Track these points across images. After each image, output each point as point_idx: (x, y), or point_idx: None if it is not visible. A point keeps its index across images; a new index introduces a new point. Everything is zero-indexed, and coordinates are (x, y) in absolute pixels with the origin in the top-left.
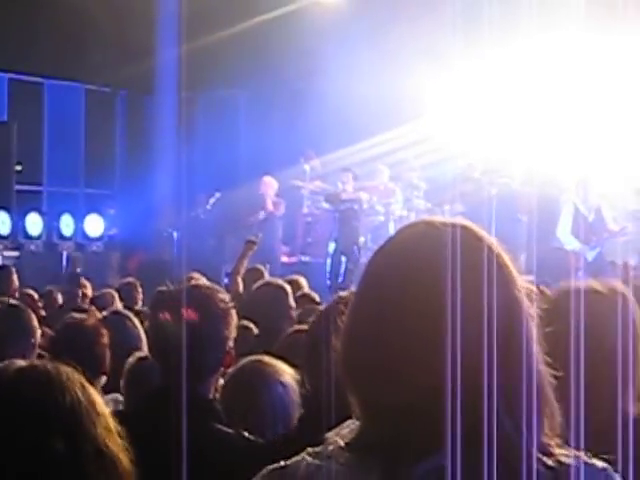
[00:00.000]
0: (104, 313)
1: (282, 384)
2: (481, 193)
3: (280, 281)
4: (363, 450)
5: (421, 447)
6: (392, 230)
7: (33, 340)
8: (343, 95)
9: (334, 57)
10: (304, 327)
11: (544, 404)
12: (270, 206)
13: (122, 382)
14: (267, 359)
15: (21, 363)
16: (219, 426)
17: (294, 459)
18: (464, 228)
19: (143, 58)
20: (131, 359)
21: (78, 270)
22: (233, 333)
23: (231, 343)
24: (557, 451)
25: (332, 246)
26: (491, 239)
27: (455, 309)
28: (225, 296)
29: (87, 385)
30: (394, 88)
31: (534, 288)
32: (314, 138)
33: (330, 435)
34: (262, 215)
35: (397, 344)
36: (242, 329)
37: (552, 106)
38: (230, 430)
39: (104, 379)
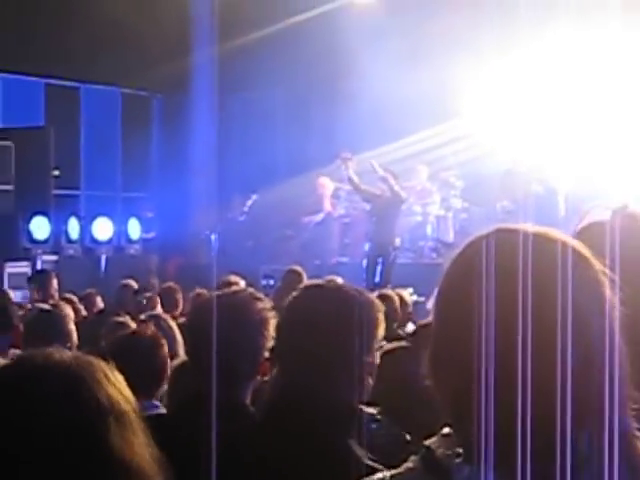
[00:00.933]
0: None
1: None
2: (528, 188)
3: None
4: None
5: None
6: (429, 231)
7: (69, 344)
8: (379, 94)
9: (370, 56)
10: None
11: (626, 414)
12: (328, 206)
13: (166, 386)
14: None
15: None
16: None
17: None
18: (541, 235)
19: (179, 61)
20: (175, 362)
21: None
22: (270, 341)
23: (266, 352)
24: None
25: (367, 246)
26: (573, 244)
27: (537, 320)
28: (263, 304)
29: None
30: (430, 86)
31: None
32: (351, 138)
33: (432, 444)
34: (321, 216)
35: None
36: None
37: (589, 103)
38: None
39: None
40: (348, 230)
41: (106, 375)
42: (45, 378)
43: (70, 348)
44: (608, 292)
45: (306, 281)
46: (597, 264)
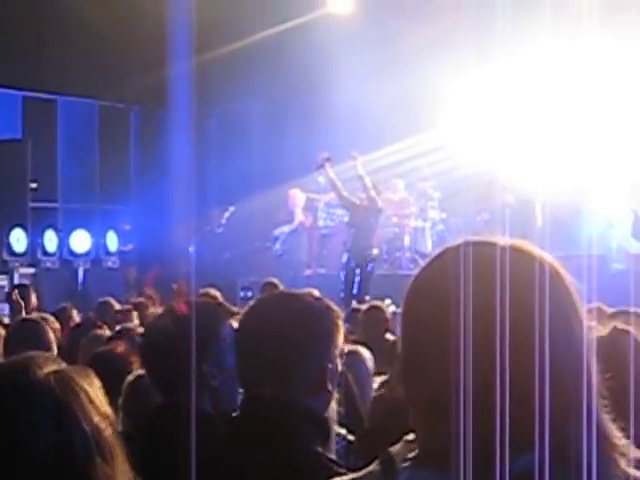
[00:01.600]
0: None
1: None
2: (504, 199)
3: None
4: (439, 460)
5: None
6: (407, 242)
7: (54, 350)
8: (356, 106)
9: (347, 68)
10: None
11: (601, 429)
12: (301, 216)
13: (120, 400)
14: None
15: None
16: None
17: (360, 476)
18: (516, 248)
19: (156, 73)
20: (130, 377)
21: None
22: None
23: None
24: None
25: (345, 257)
26: (543, 255)
27: (505, 335)
28: (224, 311)
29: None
30: (407, 97)
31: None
32: (328, 149)
33: (394, 450)
34: (292, 227)
35: (440, 366)
36: None
37: (567, 114)
38: None
39: None
40: (326, 241)
41: (88, 395)
42: (29, 403)
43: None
44: (580, 306)
45: None
46: (569, 278)
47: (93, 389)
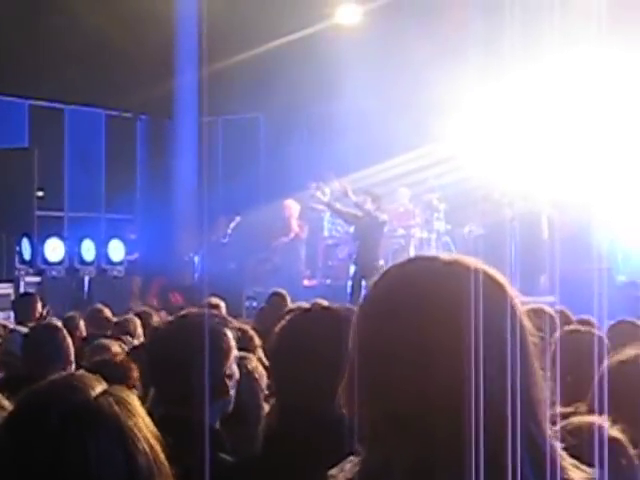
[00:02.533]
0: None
1: None
2: (500, 214)
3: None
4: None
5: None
6: (412, 253)
7: (71, 359)
8: (362, 116)
9: (354, 79)
10: None
11: (544, 435)
12: (296, 228)
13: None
14: None
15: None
16: (223, 455)
17: None
18: (453, 262)
19: (163, 83)
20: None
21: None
22: (231, 363)
23: (228, 371)
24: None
25: (352, 269)
26: (481, 266)
27: (444, 339)
28: (218, 323)
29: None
30: (413, 109)
31: (551, 310)
32: (334, 160)
33: (333, 473)
34: (288, 238)
35: (397, 379)
36: None
37: (574, 128)
38: (229, 458)
39: None
40: (332, 252)
41: (141, 414)
42: (94, 430)
43: (71, 363)
44: (522, 316)
45: (290, 304)
46: (511, 290)
47: (139, 406)
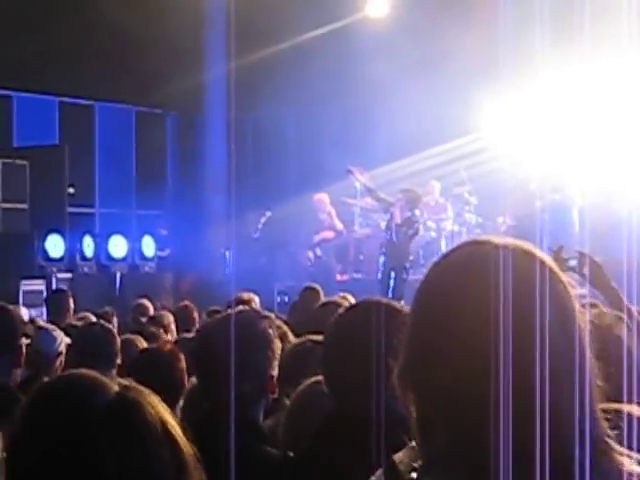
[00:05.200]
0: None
1: None
2: (531, 206)
3: (344, 301)
4: (442, 467)
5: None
6: (444, 246)
7: (118, 360)
8: (392, 110)
9: (383, 72)
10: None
11: (595, 419)
12: (340, 225)
13: (181, 403)
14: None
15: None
16: (268, 449)
17: None
18: (515, 248)
19: (192, 79)
20: (189, 384)
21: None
22: (275, 361)
23: (274, 371)
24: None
25: (382, 260)
26: (544, 257)
27: (507, 330)
28: (268, 322)
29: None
30: (444, 102)
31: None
32: (364, 154)
33: (399, 458)
34: (332, 234)
35: (450, 363)
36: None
37: (604, 120)
38: (276, 451)
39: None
40: (362, 246)
41: (161, 411)
42: (125, 429)
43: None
44: (577, 306)
45: (323, 298)
46: (566, 279)
47: (160, 404)
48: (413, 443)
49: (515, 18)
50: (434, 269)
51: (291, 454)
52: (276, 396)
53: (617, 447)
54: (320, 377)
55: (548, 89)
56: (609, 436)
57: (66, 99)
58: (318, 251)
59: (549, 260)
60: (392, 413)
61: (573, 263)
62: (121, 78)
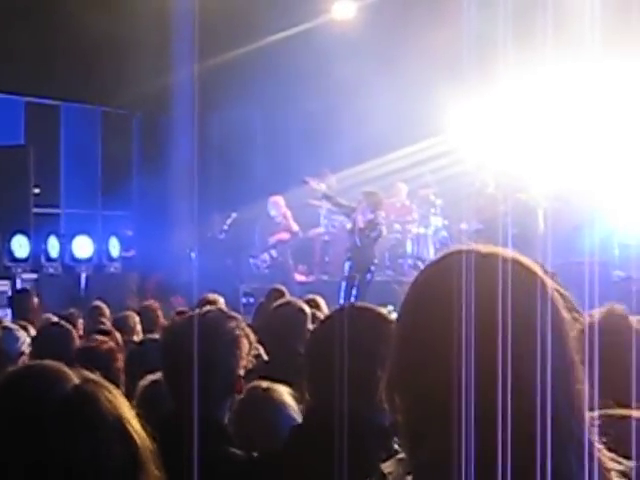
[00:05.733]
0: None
1: (285, 406)
2: (495, 209)
3: (300, 302)
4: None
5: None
6: (409, 249)
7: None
8: (358, 112)
9: (349, 74)
10: None
11: (583, 425)
12: (295, 226)
13: (134, 404)
14: (267, 384)
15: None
16: (232, 449)
17: None
18: (518, 263)
19: (158, 79)
20: (143, 382)
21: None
22: (244, 360)
23: (241, 370)
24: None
25: (347, 265)
26: (545, 277)
27: (500, 338)
28: (236, 323)
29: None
30: (409, 104)
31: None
32: (329, 156)
33: (388, 469)
34: (287, 236)
35: (437, 371)
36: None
37: (570, 121)
38: (241, 452)
39: None
40: (328, 248)
41: (120, 403)
42: (83, 420)
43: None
44: (560, 308)
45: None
46: (550, 282)
47: (120, 398)
48: (401, 455)
49: (480, 21)
50: (421, 278)
51: (255, 455)
52: (242, 396)
53: (606, 454)
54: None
55: (512, 91)
56: (595, 442)
57: (32, 99)
58: (274, 252)
59: (537, 267)
60: (367, 422)
61: None
62: (87, 79)
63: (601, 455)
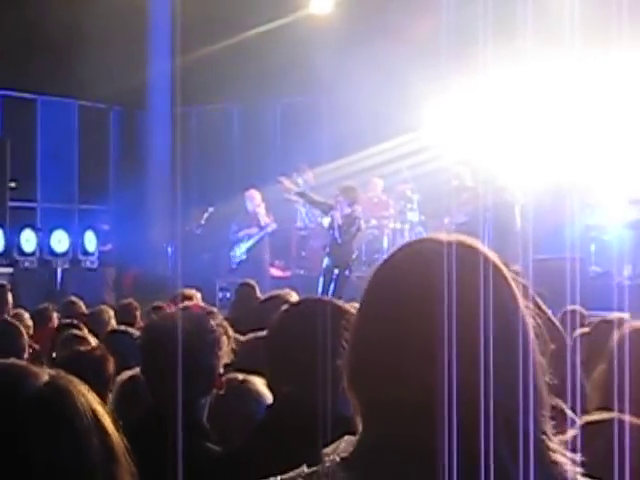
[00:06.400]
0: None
1: (262, 397)
2: (477, 203)
3: (289, 296)
4: (366, 460)
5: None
6: (386, 244)
7: (25, 357)
8: (336, 107)
9: (327, 70)
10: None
11: (543, 416)
12: (267, 219)
13: (111, 399)
14: (242, 376)
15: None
16: (209, 445)
17: (291, 476)
18: (462, 244)
19: (136, 73)
20: (121, 377)
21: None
22: (223, 358)
23: (221, 368)
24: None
25: (326, 260)
26: (489, 253)
27: (451, 324)
28: (216, 320)
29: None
30: (387, 100)
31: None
32: (308, 151)
33: (327, 451)
34: (256, 230)
35: (398, 359)
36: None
37: (548, 117)
38: (217, 448)
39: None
40: (305, 243)
41: (90, 400)
42: (54, 419)
43: (25, 360)
44: (522, 301)
45: (259, 294)
46: (510, 274)
47: (89, 393)
48: (347, 437)
49: (459, 15)
50: (377, 272)
51: (230, 450)
52: (222, 392)
53: (560, 450)
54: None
55: (492, 86)
56: (550, 438)
57: (8, 92)
58: (244, 246)
59: (492, 255)
60: (335, 412)
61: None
62: (64, 72)
63: (548, 446)
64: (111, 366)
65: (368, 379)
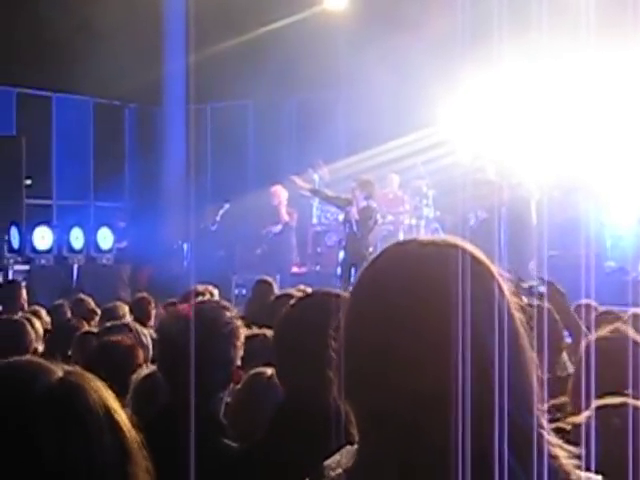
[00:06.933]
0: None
1: None
2: (496, 197)
3: (294, 292)
4: (367, 471)
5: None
6: (401, 239)
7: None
8: (351, 103)
9: (342, 66)
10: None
11: (539, 410)
12: (286, 217)
13: (128, 398)
14: (270, 371)
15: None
16: (226, 441)
17: None
18: (448, 245)
19: (151, 70)
20: (137, 375)
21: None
22: (240, 351)
23: (238, 361)
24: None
25: (342, 255)
26: (476, 252)
27: (439, 328)
28: (231, 314)
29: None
30: (402, 95)
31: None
32: (323, 147)
33: (329, 464)
34: (278, 227)
35: (386, 369)
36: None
37: (564, 113)
38: (235, 445)
39: None
40: (321, 239)
41: (105, 395)
42: (70, 415)
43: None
44: (510, 303)
45: (276, 291)
46: (497, 274)
47: (104, 389)
48: (349, 447)
49: (474, 10)
50: (362, 277)
51: (247, 446)
52: (239, 386)
53: (558, 445)
54: (263, 369)
55: (508, 81)
56: (548, 432)
57: (24, 90)
58: (265, 244)
59: (474, 250)
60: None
61: (542, 289)
62: (79, 69)
63: (548, 443)
64: (141, 356)
65: (360, 391)
